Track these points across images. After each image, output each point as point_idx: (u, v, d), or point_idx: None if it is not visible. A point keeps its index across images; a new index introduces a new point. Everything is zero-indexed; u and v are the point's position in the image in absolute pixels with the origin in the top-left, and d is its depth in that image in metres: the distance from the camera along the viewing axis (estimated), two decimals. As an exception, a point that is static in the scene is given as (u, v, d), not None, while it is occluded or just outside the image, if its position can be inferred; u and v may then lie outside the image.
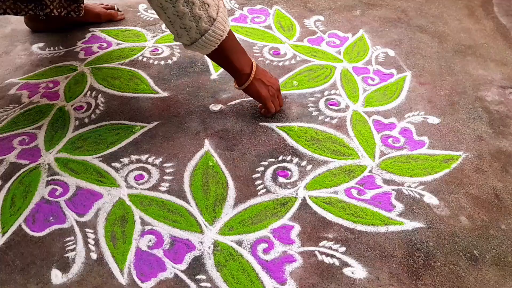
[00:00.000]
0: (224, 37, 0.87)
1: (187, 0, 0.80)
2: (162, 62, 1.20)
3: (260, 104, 1.03)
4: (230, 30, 0.89)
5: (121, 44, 1.27)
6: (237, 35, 1.28)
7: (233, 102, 1.07)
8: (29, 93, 1.10)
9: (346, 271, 0.74)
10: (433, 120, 1.02)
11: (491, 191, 0.86)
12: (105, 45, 1.27)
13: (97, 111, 1.05)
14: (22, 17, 1.33)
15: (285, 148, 0.95)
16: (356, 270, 0.74)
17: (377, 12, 1.40)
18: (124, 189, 0.87)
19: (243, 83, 0.97)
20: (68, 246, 0.78)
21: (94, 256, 0.76)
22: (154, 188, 0.88)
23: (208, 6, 0.83)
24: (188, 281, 0.73)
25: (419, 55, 1.22)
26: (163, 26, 1.34)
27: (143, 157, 0.94)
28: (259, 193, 0.86)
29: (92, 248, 0.78)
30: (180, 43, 0.92)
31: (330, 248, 0.77)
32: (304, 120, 1.02)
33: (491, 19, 1.36)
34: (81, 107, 1.06)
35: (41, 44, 1.28)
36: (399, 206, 0.84)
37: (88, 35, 1.31)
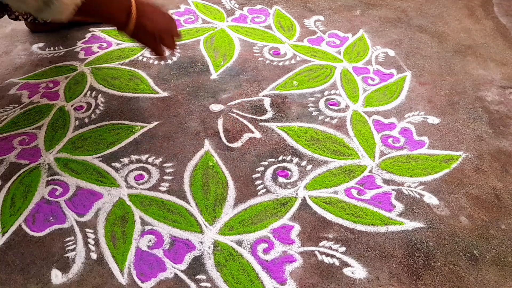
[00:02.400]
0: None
1: None
2: (162, 62, 1.20)
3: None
4: None
5: (121, 44, 1.27)
6: (237, 35, 1.29)
7: (233, 102, 1.07)
8: (29, 93, 1.10)
9: (346, 271, 0.74)
10: (433, 120, 1.02)
11: (491, 191, 0.86)
12: (105, 45, 1.27)
13: (97, 111, 1.05)
14: (22, 17, 1.33)
15: (285, 148, 0.95)
16: (356, 270, 0.74)
17: (377, 12, 1.40)
18: (124, 189, 0.87)
19: (124, 32, 0.84)
20: (68, 246, 0.78)
21: (94, 256, 0.76)
22: (154, 188, 0.88)
23: None
24: (188, 281, 0.73)
25: (419, 55, 1.22)
26: (163, 26, 1.34)
27: (143, 157, 0.94)
28: (259, 193, 0.86)
29: (92, 248, 0.78)
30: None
31: (330, 248, 0.77)
32: (304, 120, 1.02)
33: (491, 19, 1.36)
34: (81, 107, 1.06)
35: (41, 44, 1.28)
36: (399, 206, 0.84)
37: (88, 35, 1.31)
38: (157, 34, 0.86)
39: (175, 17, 1.38)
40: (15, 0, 0.70)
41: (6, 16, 1.15)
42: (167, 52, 0.90)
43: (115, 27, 0.85)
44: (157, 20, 0.86)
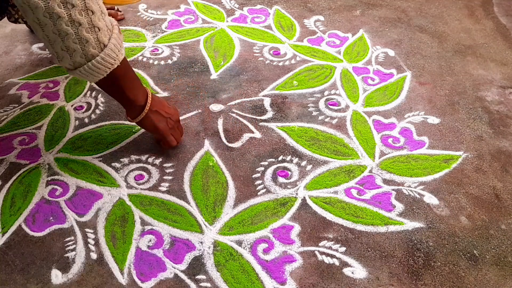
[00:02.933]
0: (116, 65, 0.77)
1: (72, 19, 0.69)
2: (162, 62, 1.20)
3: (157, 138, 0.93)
4: (124, 58, 0.80)
5: (121, 44, 1.27)
6: (237, 35, 1.28)
7: (233, 102, 1.07)
8: (29, 93, 1.10)
9: (346, 271, 0.74)
10: (433, 120, 1.02)
11: (491, 191, 0.86)
12: (105, 45, 1.27)
13: (97, 111, 1.05)
14: (22, 17, 1.33)
15: (285, 148, 0.95)
16: (356, 270, 0.74)
17: (377, 12, 1.40)
18: (124, 189, 0.87)
19: (136, 116, 0.87)
20: (68, 246, 0.78)
21: (94, 256, 0.76)
22: (154, 188, 0.88)
23: (99, 29, 0.73)
24: (188, 281, 0.73)
25: (419, 55, 1.22)
26: (163, 26, 1.34)
27: (143, 157, 0.94)
28: (259, 193, 0.86)
29: (92, 248, 0.78)
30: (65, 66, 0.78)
31: (330, 248, 0.77)
32: (304, 120, 1.02)
33: (491, 19, 1.36)
34: (81, 107, 1.06)
35: (41, 44, 1.28)
36: (399, 206, 0.84)
37: (88, 35, 1.31)
38: (169, 121, 0.90)
39: (175, 17, 1.38)
40: (58, 48, 0.72)
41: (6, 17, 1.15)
42: (175, 141, 0.93)
43: (129, 110, 0.87)
44: (168, 108, 0.90)
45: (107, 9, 1.38)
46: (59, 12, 0.68)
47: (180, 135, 0.94)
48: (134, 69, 1.16)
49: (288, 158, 0.93)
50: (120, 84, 0.82)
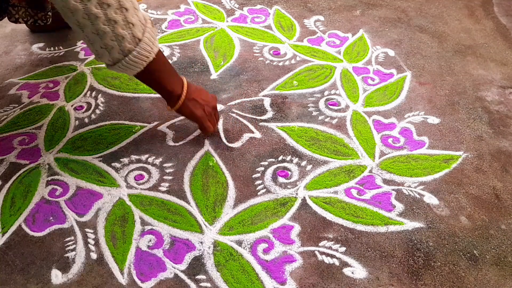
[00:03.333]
0: (151, 58, 0.81)
1: (108, 18, 0.73)
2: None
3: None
4: (159, 50, 0.83)
5: (121, 44, 1.27)
6: (237, 35, 1.28)
7: (233, 102, 1.07)
8: (29, 93, 1.10)
9: (346, 271, 0.74)
10: (433, 120, 1.02)
11: (491, 191, 0.86)
12: (105, 45, 1.27)
13: (97, 111, 1.05)
14: (22, 17, 1.33)
15: (285, 148, 0.95)
16: (356, 270, 0.74)
17: (377, 12, 1.40)
18: (124, 189, 0.87)
19: (173, 105, 0.90)
20: (68, 246, 0.78)
21: (94, 256, 0.76)
22: (154, 188, 0.88)
23: (133, 25, 0.76)
24: (188, 281, 0.73)
25: (419, 55, 1.22)
26: (163, 26, 1.34)
27: (143, 157, 0.94)
28: (259, 193, 0.86)
29: (92, 248, 0.78)
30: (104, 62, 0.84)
31: (330, 248, 0.77)
32: (304, 120, 1.02)
33: (491, 19, 1.36)
34: (81, 107, 1.06)
35: (41, 44, 1.28)
36: (399, 206, 0.84)
37: (88, 35, 1.31)
38: (206, 108, 0.93)
39: (175, 17, 1.38)
40: (98, 46, 0.77)
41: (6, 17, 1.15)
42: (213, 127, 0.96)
43: (168, 99, 0.91)
44: (206, 96, 0.94)
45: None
46: (96, 12, 0.72)
47: (216, 121, 0.98)
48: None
49: (288, 158, 0.93)
50: (156, 76, 0.86)
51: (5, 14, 1.11)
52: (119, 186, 0.88)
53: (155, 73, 0.85)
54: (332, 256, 0.76)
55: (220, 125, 1.01)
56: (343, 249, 0.77)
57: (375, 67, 1.18)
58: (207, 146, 0.96)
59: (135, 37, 0.77)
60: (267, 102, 1.07)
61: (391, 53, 1.23)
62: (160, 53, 0.84)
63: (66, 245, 0.78)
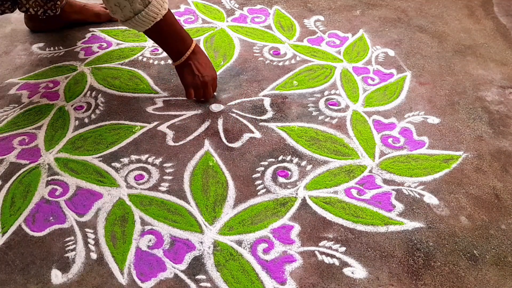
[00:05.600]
0: (159, 19, 0.92)
1: None
2: (162, 62, 1.20)
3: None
4: (168, 11, 0.94)
5: (121, 44, 1.27)
6: (237, 35, 1.28)
7: (233, 102, 1.07)
8: (29, 93, 1.10)
9: (346, 271, 0.74)
10: (433, 120, 1.02)
11: (491, 191, 0.86)
12: (105, 45, 1.27)
13: (97, 111, 1.05)
14: (22, 17, 1.33)
15: (285, 148, 0.95)
16: (356, 270, 0.74)
17: (377, 12, 1.40)
18: (124, 189, 0.87)
19: (175, 62, 1.02)
20: (68, 246, 0.78)
21: (94, 256, 0.76)
22: (154, 188, 0.88)
23: None
24: (188, 281, 0.73)
25: (419, 55, 1.22)
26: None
27: (143, 157, 0.94)
28: (259, 193, 0.86)
29: (92, 248, 0.78)
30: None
31: (330, 248, 0.77)
32: (304, 120, 1.02)
33: (491, 19, 1.36)
34: (81, 107, 1.06)
35: (41, 44, 1.28)
36: (399, 206, 0.84)
37: (88, 35, 1.31)
38: (197, 78, 1.01)
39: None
40: (112, 4, 0.89)
41: (6, 15, 1.15)
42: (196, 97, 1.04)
43: (172, 56, 1.02)
44: (204, 68, 1.02)
45: (107, 8, 1.38)
46: None
47: (201, 94, 1.04)
48: (133, 69, 1.17)
49: (288, 158, 0.93)
50: (162, 35, 0.97)
51: (16, 6, 1.11)
52: (119, 186, 0.88)
53: (162, 33, 0.96)
54: (332, 256, 0.76)
55: (220, 125, 1.01)
56: (343, 249, 0.77)
57: (375, 67, 1.18)
58: (207, 146, 0.96)
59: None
60: (267, 102, 1.07)
61: (391, 53, 1.23)
62: (169, 14, 0.95)
63: (66, 245, 0.78)
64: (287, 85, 1.12)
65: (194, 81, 1.02)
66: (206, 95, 1.05)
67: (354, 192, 0.86)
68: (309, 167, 0.91)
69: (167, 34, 0.97)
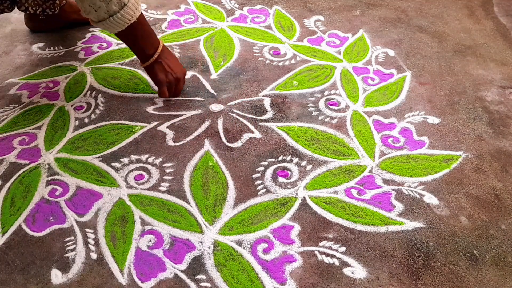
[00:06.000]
0: (133, 21, 0.93)
1: None
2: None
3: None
4: (141, 14, 0.95)
5: (121, 44, 1.27)
6: (237, 35, 1.28)
7: (233, 102, 1.07)
8: (29, 93, 1.10)
9: (346, 271, 0.74)
10: (433, 120, 1.02)
11: (491, 191, 0.86)
12: (105, 45, 1.27)
13: (97, 111, 1.05)
14: (22, 17, 1.33)
15: (285, 148, 0.95)
16: (356, 270, 0.74)
17: (377, 12, 1.40)
18: (124, 189, 0.87)
19: (142, 62, 1.03)
20: (68, 246, 0.78)
21: (94, 256, 0.76)
22: (154, 188, 0.88)
23: None
24: (188, 281, 0.73)
25: (419, 55, 1.22)
26: (163, 26, 1.34)
27: (143, 157, 0.94)
28: (259, 193, 0.86)
29: (92, 248, 0.78)
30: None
31: (330, 248, 0.77)
32: (304, 120, 1.02)
33: (491, 19, 1.36)
34: (81, 107, 1.06)
35: (41, 44, 1.28)
36: (399, 206, 0.84)
37: (88, 35, 1.31)
38: (169, 75, 1.03)
39: (175, 17, 1.38)
40: (87, 4, 0.88)
41: (7, 15, 1.15)
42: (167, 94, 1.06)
43: (140, 57, 1.02)
44: (175, 66, 1.05)
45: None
46: None
47: (173, 91, 1.06)
48: (133, 69, 1.17)
49: (288, 158, 0.93)
50: (133, 37, 0.98)
51: (15, 5, 1.11)
52: (119, 186, 0.88)
53: (133, 35, 0.97)
54: (332, 256, 0.76)
55: (220, 125, 1.01)
56: (343, 249, 0.77)
57: (375, 67, 1.18)
58: (207, 146, 0.96)
59: (121, 1, 0.89)
60: (267, 102, 1.07)
61: (391, 53, 1.23)
62: (142, 16, 0.96)
63: (66, 245, 0.78)
64: (287, 85, 1.12)
65: (167, 78, 1.04)
66: (178, 91, 1.07)
67: (354, 192, 0.86)
68: (309, 167, 0.91)
69: (139, 35, 0.97)
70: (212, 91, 1.10)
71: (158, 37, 1.29)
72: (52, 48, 1.26)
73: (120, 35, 0.97)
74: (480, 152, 0.94)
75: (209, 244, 0.78)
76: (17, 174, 0.90)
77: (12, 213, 0.83)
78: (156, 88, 1.09)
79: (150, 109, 1.05)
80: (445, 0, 1.46)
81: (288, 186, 0.87)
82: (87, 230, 0.80)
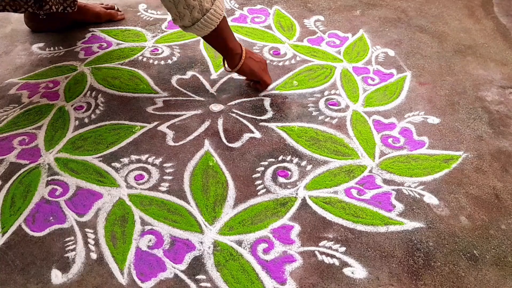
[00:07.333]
0: (222, 17, 0.93)
1: None
2: (162, 62, 1.20)
3: (248, 81, 1.11)
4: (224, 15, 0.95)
5: (121, 44, 1.27)
6: (237, 35, 1.29)
7: (233, 102, 1.07)
8: (29, 93, 1.10)
9: (346, 271, 0.74)
10: (433, 120, 1.02)
11: (491, 191, 0.86)
12: (105, 45, 1.27)
13: (97, 111, 1.05)
14: (22, 17, 1.33)
15: (285, 148, 0.95)
16: (356, 270, 0.74)
17: (377, 12, 1.40)
18: (124, 189, 0.87)
19: (236, 64, 1.02)
20: (68, 246, 0.78)
21: (94, 256, 0.76)
22: (154, 188, 0.88)
23: None
24: (188, 281, 0.73)
25: (419, 55, 1.22)
26: (163, 26, 1.34)
27: (143, 157, 0.94)
28: (259, 193, 0.86)
29: (92, 248, 0.78)
30: (181, 30, 0.96)
31: (330, 248, 0.77)
32: (304, 120, 1.02)
33: (491, 19, 1.36)
34: (81, 107, 1.06)
35: (41, 44, 1.28)
36: (399, 206, 0.84)
37: (88, 35, 1.31)
38: (261, 64, 1.06)
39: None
40: (181, 7, 0.88)
41: (6, 14, 1.16)
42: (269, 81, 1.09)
43: (229, 59, 1.02)
44: (257, 56, 1.07)
45: (107, 8, 1.38)
46: None
47: (269, 77, 1.09)
48: (133, 69, 1.17)
49: (288, 158, 0.93)
50: (223, 35, 0.97)
51: (39, 3, 1.12)
52: (119, 186, 0.88)
53: (223, 32, 0.96)
54: (332, 256, 0.76)
55: (220, 125, 1.01)
56: (343, 249, 0.77)
57: (375, 67, 1.18)
58: (207, 146, 0.96)
59: None
60: (267, 102, 1.07)
61: (391, 53, 1.23)
62: (224, 17, 0.96)
63: (66, 245, 0.78)
64: (287, 85, 1.12)
65: (262, 66, 1.06)
66: (269, 78, 1.09)
67: (354, 192, 0.86)
68: (309, 167, 0.91)
69: (228, 32, 0.98)
70: (212, 91, 1.10)
71: (158, 37, 1.30)
72: (52, 48, 1.26)
73: (211, 37, 0.96)
74: (480, 152, 0.94)
75: (209, 244, 0.78)
76: (17, 174, 0.90)
77: (12, 213, 0.83)
78: (156, 88, 1.09)
79: (150, 109, 1.05)
80: (445, 0, 1.46)
81: (288, 186, 0.87)
82: (87, 230, 0.80)
